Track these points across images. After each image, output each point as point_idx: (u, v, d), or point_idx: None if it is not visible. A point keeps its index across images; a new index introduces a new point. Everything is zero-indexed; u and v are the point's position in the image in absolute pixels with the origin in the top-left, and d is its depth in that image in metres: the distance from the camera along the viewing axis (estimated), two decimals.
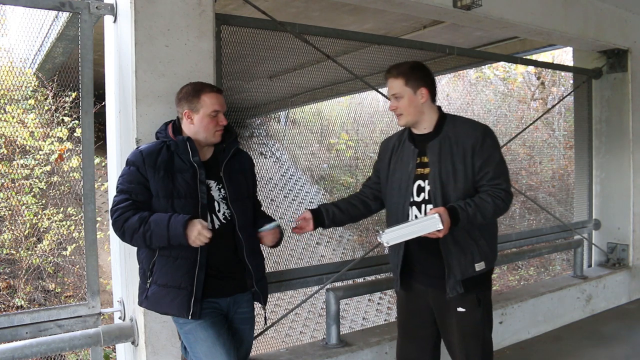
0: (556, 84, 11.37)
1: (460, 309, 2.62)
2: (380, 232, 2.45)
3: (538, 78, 11.93)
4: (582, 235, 5.47)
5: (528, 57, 6.93)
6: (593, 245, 5.65)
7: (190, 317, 2.36)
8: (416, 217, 2.63)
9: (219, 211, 2.47)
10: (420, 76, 2.63)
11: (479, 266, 2.62)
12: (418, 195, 2.65)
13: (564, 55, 11.12)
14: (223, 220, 2.46)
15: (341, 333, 3.62)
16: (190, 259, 2.37)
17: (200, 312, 2.38)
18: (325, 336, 3.65)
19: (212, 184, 2.49)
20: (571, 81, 6.04)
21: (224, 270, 2.48)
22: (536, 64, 6.61)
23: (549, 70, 10.58)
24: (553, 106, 8.44)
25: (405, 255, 2.70)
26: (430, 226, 2.38)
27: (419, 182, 2.64)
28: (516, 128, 7.14)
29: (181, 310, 2.37)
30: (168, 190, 2.37)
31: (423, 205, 2.63)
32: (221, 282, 2.47)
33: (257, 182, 2.80)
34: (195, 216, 2.31)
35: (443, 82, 10.60)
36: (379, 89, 4.15)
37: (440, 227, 2.37)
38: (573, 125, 6.05)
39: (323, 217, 2.78)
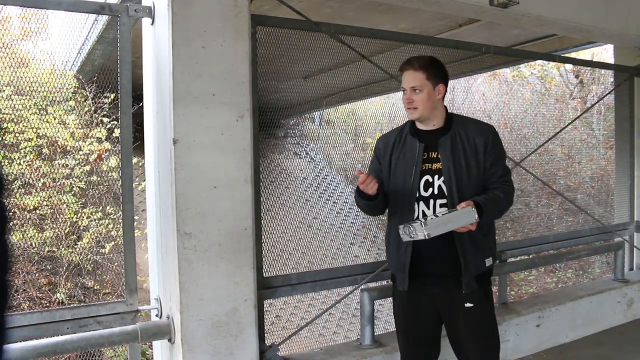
0: (595, 82, 11.10)
1: (468, 305, 2.62)
2: (420, 223, 2.35)
3: (577, 76, 11.67)
4: (623, 237, 5.33)
5: (567, 55, 6.80)
6: (635, 248, 5.50)
7: None
8: (424, 212, 2.61)
9: None
10: (441, 72, 2.65)
11: (489, 261, 2.69)
12: (425, 191, 2.63)
13: (604, 53, 10.85)
14: None
15: (375, 333, 3.61)
16: None
17: None
18: (359, 336, 3.64)
19: None
20: (611, 79, 5.89)
21: None
22: (575, 62, 6.47)
23: (588, 68, 10.35)
24: (592, 105, 8.22)
25: (412, 254, 2.64)
26: (468, 218, 2.38)
27: (427, 177, 2.63)
28: (554, 128, 7.00)
29: None
30: None
31: (431, 201, 2.62)
32: None
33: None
34: None
35: (479, 81, 10.48)
36: None
37: (477, 218, 2.39)
38: (613, 124, 5.90)
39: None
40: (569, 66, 11.06)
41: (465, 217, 2.39)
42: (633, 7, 4.80)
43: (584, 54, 9.76)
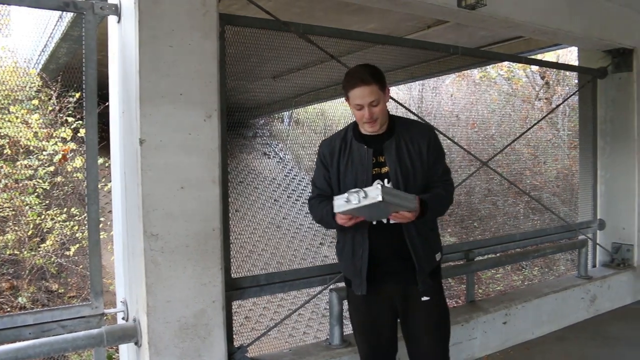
0: (561, 84, 11.34)
1: (425, 298, 2.68)
2: (376, 186, 2.33)
3: (542, 78, 11.90)
4: (587, 235, 5.44)
5: (533, 56, 6.91)
6: (597, 246, 5.62)
7: None
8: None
9: None
10: (383, 76, 2.61)
11: (438, 256, 2.76)
12: None
13: (569, 55, 11.08)
14: None
15: (344, 333, 3.61)
16: None
17: None
18: (328, 336, 3.64)
19: None
20: (576, 81, 6.01)
21: None
22: (541, 63, 6.59)
23: (554, 69, 10.55)
24: (557, 106, 8.41)
25: (368, 257, 2.65)
26: (410, 204, 2.43)
27: (377, 181, 2.63)
28: (520, 128, 7.13)
29: None
30: None
31: None
32: None
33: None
34: None
35: (447, 82, 10.60)
36: None
37: (417, 207, 2.45)
38: (578, 125, 6.02)
39: None
40: (535, 67, 11.27)
41: (408, 202, 2.42)
42: (596, 12, 4.91)
43: (549, 56, 9.92)
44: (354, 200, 2.34)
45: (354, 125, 2.73)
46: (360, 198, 2.32)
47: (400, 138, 2.64)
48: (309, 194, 2.91)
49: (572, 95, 6.20)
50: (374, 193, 2.29)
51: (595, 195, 5.66)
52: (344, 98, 2.66)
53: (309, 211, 2.89)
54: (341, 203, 2.38)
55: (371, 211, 2.42)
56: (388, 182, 2.61)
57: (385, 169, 2.63)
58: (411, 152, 2.63)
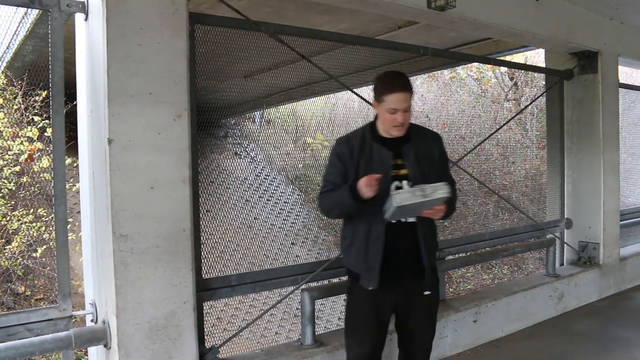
0: (529, 85, 11.53)
1: (427, 292, 2.85)
2: (443, 184, 2.49)
3: (511, 79, 12.08)
4: (554, 234, 5.54)
5: (501, 58, 7.01)
6: (565, 244, 5.73)
7: None
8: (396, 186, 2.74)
9: None
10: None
11: (437, 253, 3.04)
12: None
13: (537, 57, 11.27)
14: None
15: (316, 333, 3.62)
16: None
17: None
18: (300, 336, 3.64)
19: None
20: (543, 82, 6.11)
21: None
22: (509, 64, 6.69)
23: (522, 71, 10.72)
24: (526, 107, 8.54)
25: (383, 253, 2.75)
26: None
27: (396, 182, 2.74)
28: (490, 128, 7.21)
29: None
30: None
31: None
32: None
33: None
34: None
35: (417, 83, 10.69)
36: (354, 89, 4.15)
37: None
38: (545, 125, 6.13)
39: None
40: (503, 69, 11.44)
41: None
42: (562, 15, 5.01)
43: (517, 58, 10.09)
44: (419, 194, 2.47)
45: (371, 127, 2.85)
46: (428, 193, 2.47)
47: (417, 143, 2.80)
48: (321, 190, 2.92)
49: (539, 96, 6.31)
50: (444, 190, 2.48)
51: (563, 194, 5.76)
52: (373, 100, 2.78)
53: (318, 204, 2.94)
54: (406, 197, 2.48)
55: (423, 207, 2.58)
56: (407, 184, 2.72)
57: (403, 171, 2.76)
58: (427, 157, 2.81)
